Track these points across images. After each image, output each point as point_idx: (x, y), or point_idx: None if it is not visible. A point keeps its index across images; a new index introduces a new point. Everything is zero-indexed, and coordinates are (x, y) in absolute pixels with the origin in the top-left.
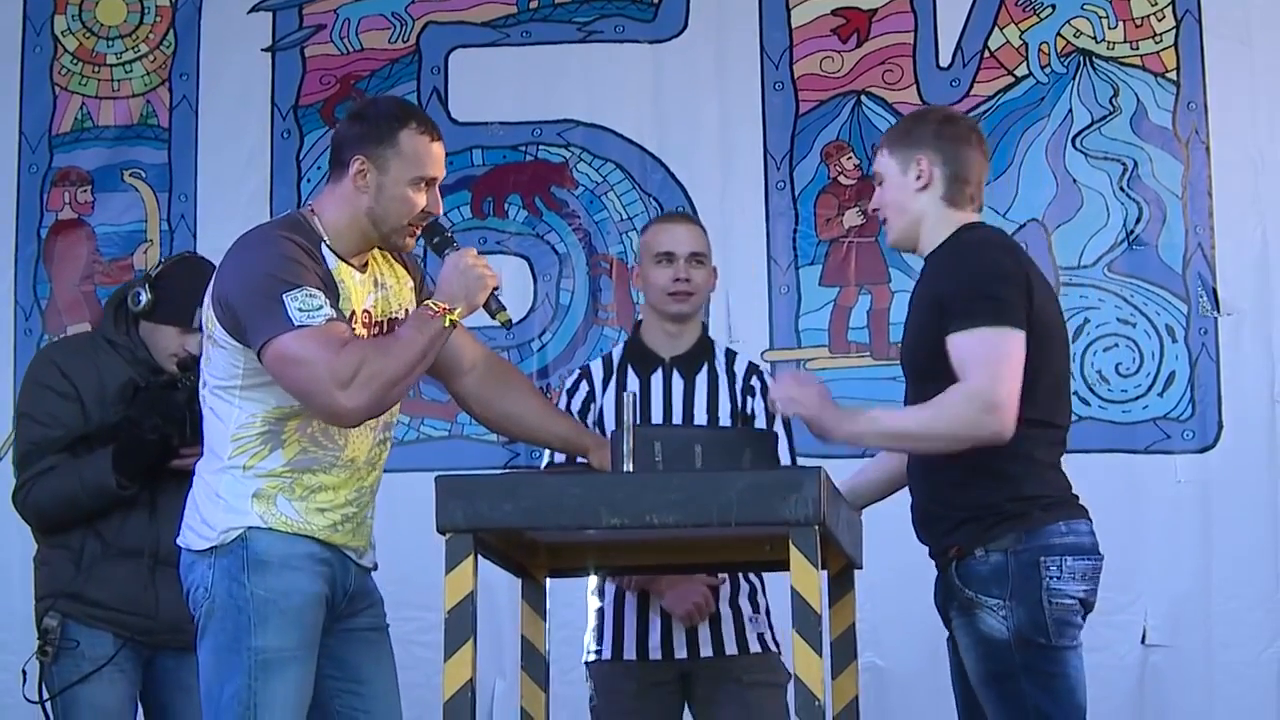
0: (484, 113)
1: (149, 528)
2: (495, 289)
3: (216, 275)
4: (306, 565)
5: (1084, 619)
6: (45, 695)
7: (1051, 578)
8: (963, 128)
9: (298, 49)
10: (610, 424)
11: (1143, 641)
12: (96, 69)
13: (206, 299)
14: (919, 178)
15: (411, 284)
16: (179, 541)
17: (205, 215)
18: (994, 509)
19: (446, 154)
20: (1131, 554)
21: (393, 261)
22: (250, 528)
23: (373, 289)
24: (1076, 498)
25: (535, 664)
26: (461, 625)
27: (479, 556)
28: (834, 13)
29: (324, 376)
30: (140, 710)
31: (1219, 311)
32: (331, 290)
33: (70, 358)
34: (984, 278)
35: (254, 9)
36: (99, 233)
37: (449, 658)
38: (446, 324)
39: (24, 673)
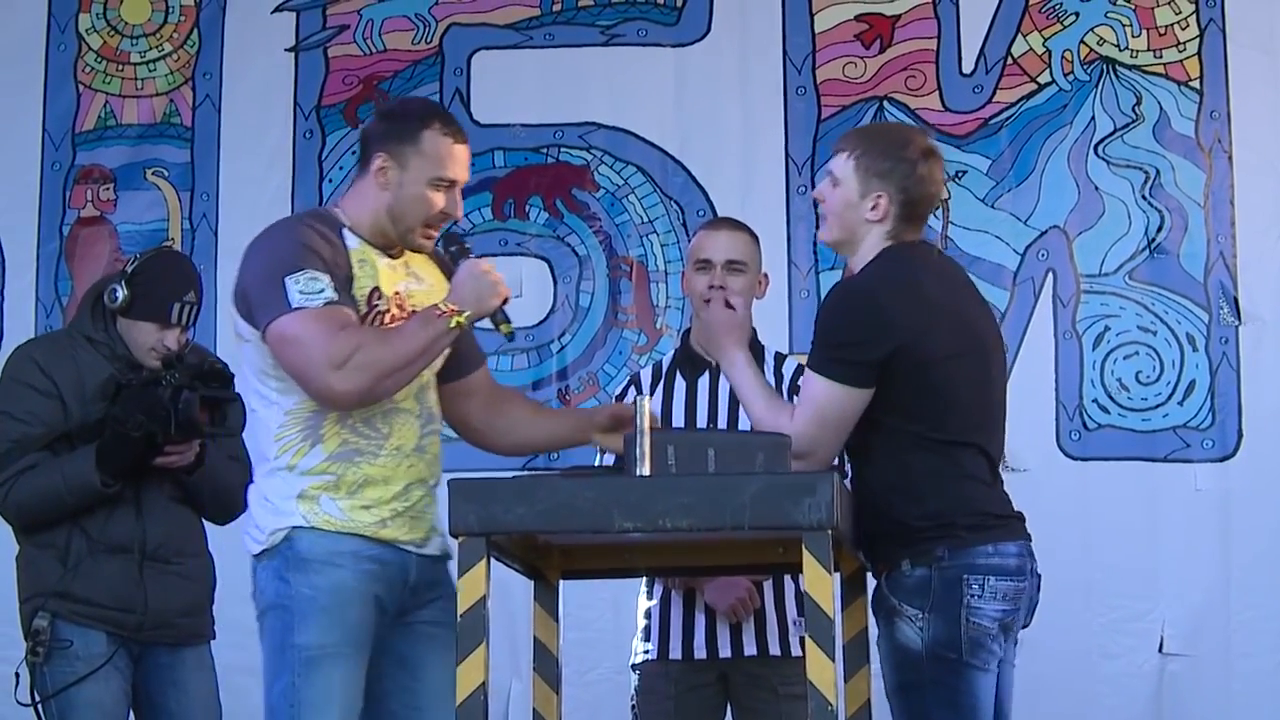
0: (506, 115)
1: (135, 524)
2: (505, 300)
3: (237, 274)
4: (351, 563)
5: (1000, 645)
6: (38, 697)
7: (973, 595)
8: (935, 167)
9: (321, 49)
10: None
11: (1160, 650)
12: (120, 67)
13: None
14: (874, 209)
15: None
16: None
17: (227, 214)
18: (906, 526)
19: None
20: (1150, 562)
21: (434, 265)
22: (295, 527)
23: (405, 277)
24: (1010, 517)
25: (548, 666)
26: (475, 628)
27: (494, 558)
28: (857, 18)
29: (317, 357)
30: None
31: (1240, 320)
32: (345, 271)
33: (49, 355)
34: (833, 332)
35: (277, 9)
36: (121, 231)
37: (462, 660)
38: (453, 325)
39: (16, 675)
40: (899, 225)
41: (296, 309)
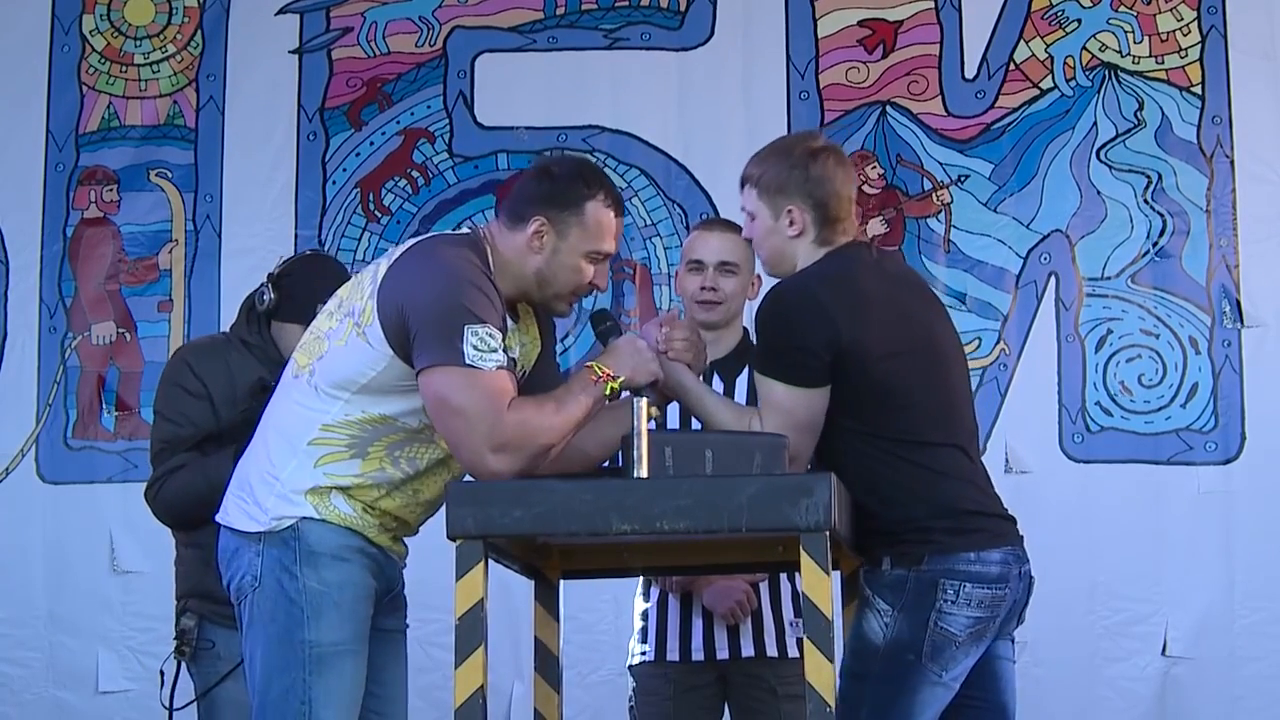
0: (510, 117)
1: None
2: (655, 382)
3: (394, 277)
4: (357, 559)
5: (964, 654)
6: (185, 699)
7: (946, 600)
8: (829, 162)
9: (324, 51)
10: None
11: (1164, 653)
12: (124, 69)
13: (370, 292)
14: (792, 224)
15: (540, 350)
16: (218, 518)
17: (230, 216)
18: (887, 532)
19: (472, 158)
20: (1153, 565)
21: (531, 322)
22: (304, 518)
23: (520, 338)
24: (996, 518)
25: (549, 666)
26: (472, 632)
27: (493, 559)
28: (860, 23)
29: (481, 435)
30: None
31: (1243, 324)
32: (503, 331)
33: (202, 357)
34: (775, 334)
35: (281, 11)
36: (124, 232)
37: (460, 664)
38: (607, 391)
39: (161, 674)
40: (822, 230)
41: (467, 366)
